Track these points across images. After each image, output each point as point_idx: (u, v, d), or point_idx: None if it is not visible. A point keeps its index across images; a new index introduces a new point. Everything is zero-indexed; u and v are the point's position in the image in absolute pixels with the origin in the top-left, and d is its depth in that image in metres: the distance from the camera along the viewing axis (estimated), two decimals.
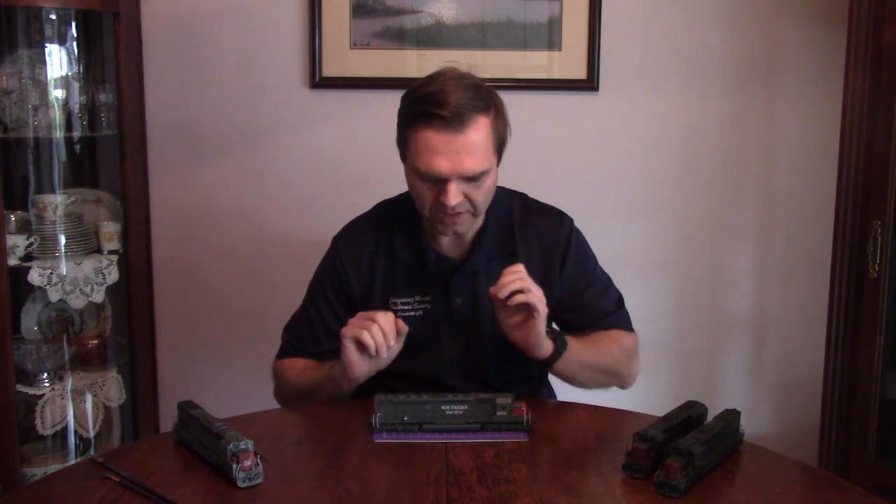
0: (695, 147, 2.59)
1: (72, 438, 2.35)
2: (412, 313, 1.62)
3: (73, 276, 2.28)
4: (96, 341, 2.45)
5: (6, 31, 2.29)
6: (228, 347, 2.63)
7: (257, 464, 1.24)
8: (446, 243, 1.65)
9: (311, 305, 1.70)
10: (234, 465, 1.23)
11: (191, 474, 1.29)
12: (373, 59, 2.50)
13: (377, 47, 2.49)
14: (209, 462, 1.29)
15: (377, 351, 1.45)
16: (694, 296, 2.66)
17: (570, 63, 2.51)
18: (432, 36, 2.49)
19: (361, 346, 1.46)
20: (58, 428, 2.32)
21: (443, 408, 1.43)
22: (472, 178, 1.51)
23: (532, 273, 1.58)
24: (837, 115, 2.21)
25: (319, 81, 2.51)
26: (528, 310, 1.46)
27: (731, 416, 1.37)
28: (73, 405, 2.33)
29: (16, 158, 2.34)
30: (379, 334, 1.45)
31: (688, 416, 1.37)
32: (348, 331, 1.47)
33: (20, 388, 2.26)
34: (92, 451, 2.37)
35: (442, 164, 1.48)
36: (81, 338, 2.44)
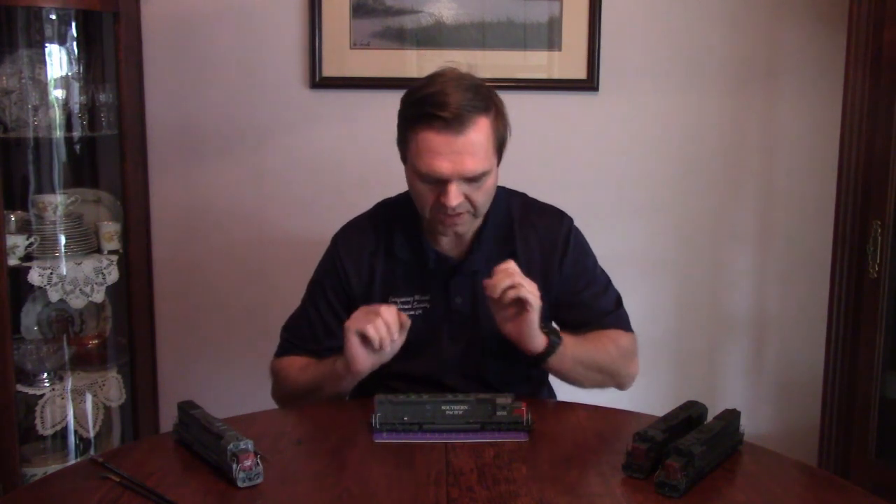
0: (695, 147, 2.59)
1: (72, 438, 2.35)
2: (412, 313, 1.62)
3: (73, 276, 2.28)
4: (96, 341, 2.45)
5: (6, 31, 2.29)
6: (228, 347, 2.63)
7: (257, 464, 1.24)
8: (446, 243, 1.65)
9: (311, 304, 1.70)
10: (234, 465, 1.23)
11: (191, 474, 1.29)
12: (373, 59, 2.50)
13: (377, 47, 2.49)
14: (209, 462, 1.29)
15: (381, 344, 1.45)
16: (694, 296, 2.66)
17: (570, 63, 2.51)
18: (432, 36, 2.49)
19: (365, 339, 1.46)
20: (58, 428, 2.32)
21: (443, 408, 1.43)
22: (472, 179, 1.51)
23: (532, 272, 1.58)
24: (837, 115, 2.21)
25: (319, 81, 2.51)
26: (521, 303, 1.46)
27: (731, 416, 1.37)
28: (73, 405, 2.33)
29: (16, 158, 2.34)
30: (383, 328, 1.45)
31: (688, 416, 1.37)
32: (352, 324, 1.47)
33: (20, 388, 2.26)
34: (92, 451, 2.37)
35: (443, 166, 1.48)
36: (81, 338, 2.44)
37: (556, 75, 2.53)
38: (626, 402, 1.64)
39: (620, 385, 1.68)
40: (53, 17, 2.27)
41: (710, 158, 2.60)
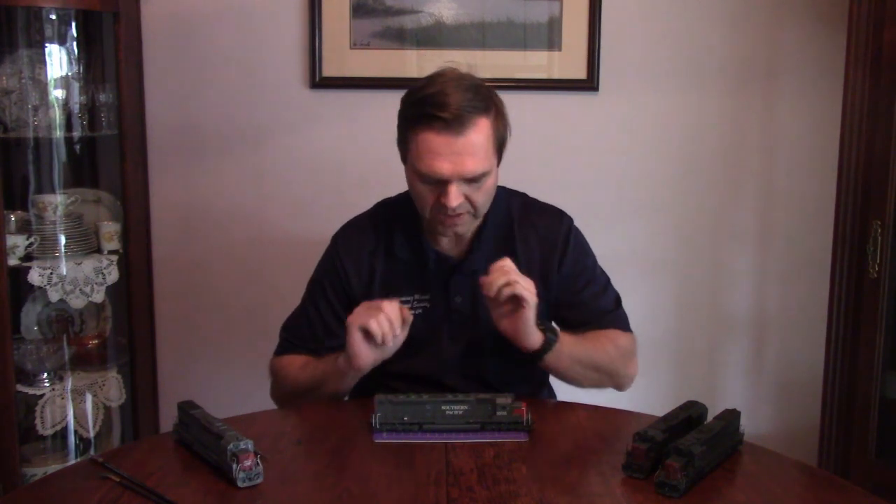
0: (695, 147, 2.59)
1: (72, 438, 2.35)
2: (412, 312, 1.62)
3: (73, 276, 2.28)
4: (96, 341, 2.45)
5: (6, 31, 2.29)
6: (228, 347, 2.63)
7: (257, 464, 1.24)
8: (446, 242, 1.65)
9: (311, 303, 1.70)
10: (234, 465, 1.23)
11: (191, 474, 1.29)
12: (373, 59, 2.50)
13: (377, 47, 2.49)
14: (209, 462, 1.29)
15: (383, 340, 1.45)
16: (694, 296, 2.66)
17: (570, 63, 2.51)
18: (432, 36, 2.49)
19: (368, 335, 1.46)
20: (58, 428, 2.32)
21: (443, 408, 1.43)
22: (472, 180, 1.51)
23: (531, 272, 1.58)
24: (837, 115, 2.21)
25: (319, 81, 2.51)
26: (517, 300, 1.47)
27: (731, 416, 1.37)
28: (73, 405, 2.33)
29: (16, 158, 2.34)
30: (385, 323, 1.45)
31: (688, 416, 1.37)
32: (355, 319, 1.47)
33: (20, 388, 2.26)
34: (92, 451, 2.37)
35: (443, 166, 1.48)
36: (81, 338, 2.44)
37: (556, 75, 2.53)
38: (626, 402, 1.64)
39: (619, 386, 1.67)
40: (53, 17, 2.27)
41: (710, 158, 2.60)
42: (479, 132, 1.50)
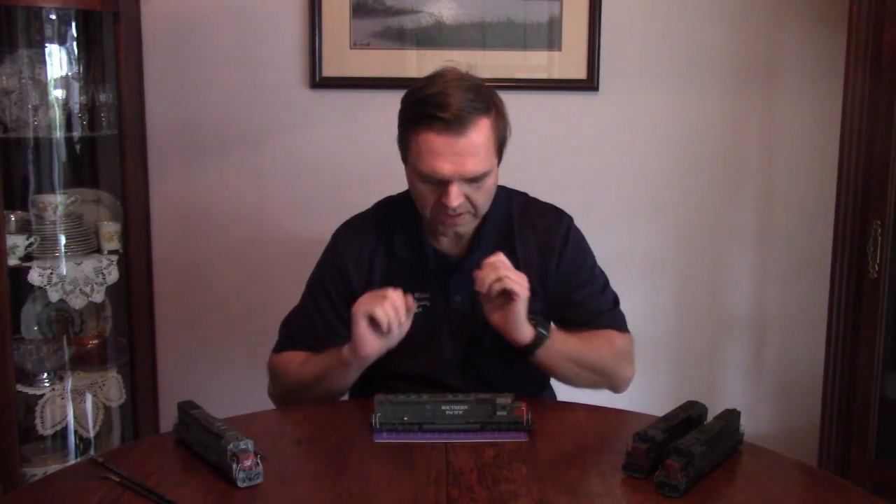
0: (695, 147, 2.59)
1: (72, 438, 2.35)
2: (416, 308, 1.61)
3: (73, 276, 2.28)
4: (96, 341, 2.45)
5: (6, 31, 2.29)
6: (228, 347, 2.63)
7: (257, 464, 1.24)
8: (446, 241, 1.65)
9: (311, 300, 1.70)
10: (234, 465, 1.23)
11: (191, 474, 1.29)
12: (373, 59, 2.50)
13: (377, 47, 2.49)
14: (209, 462, 1.29)
15: (389, 327, 1.45)
16: (694, 296, 2.66)
17: (570, 63, 2.51)
18: (432, 36, 2.49)
19: (373, 323, 1.46)
20: (58, 428, 2.32)
21: (443, 408, 1.43)
22: (473, 180, 1.52)
23: (530, 271, 1.59)
24: (837, 115, 2.21)
25: (319, 81, 2.51)
26: (508, 294, 1.47)
27: (731, 416, 1.37)
28: (73, 405, 2.33)
29: (16, 158, 2.34)
30: (391, 310, 1.45)
31: (688, 416, 1.37)
32: (360, 307, 1.47)
33: (20, 388, 2.26)
34: (92, 451, 2.37)
35: (444, 167, 1.49)
36: (81, 338, 2.44)
37: (556, 75, 2.53)
38: (626, 402, 1.64)
39: (614, 387, 1.67)
40: (53, 17, 2.27)
41: (710, 158, 2.60)
42: (480, 132, 1.50)
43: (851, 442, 2.14)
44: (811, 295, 2.58)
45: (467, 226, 1.60)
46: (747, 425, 1.41)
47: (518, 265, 1.59)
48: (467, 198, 1.53)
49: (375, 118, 2.48)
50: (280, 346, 1.71)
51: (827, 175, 2.39)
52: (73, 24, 2.31)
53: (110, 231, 2.38)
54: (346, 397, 1.70)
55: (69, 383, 2.33)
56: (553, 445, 1.41)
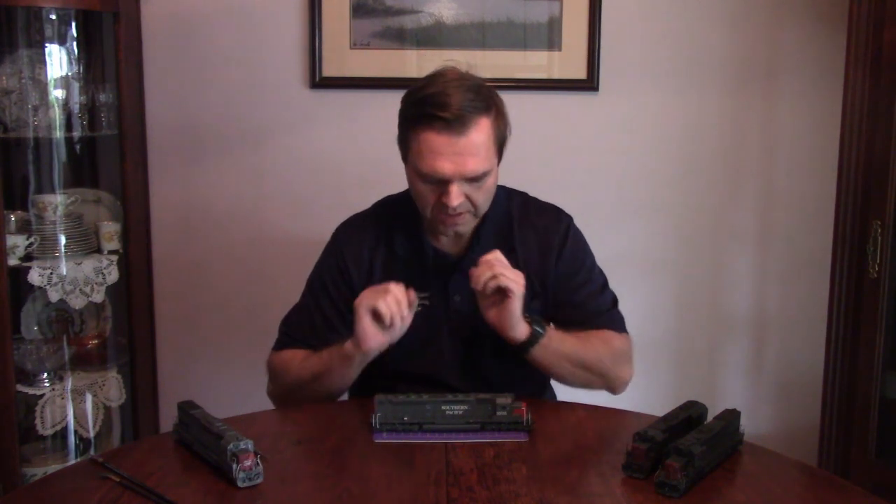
0: (695, 147, 2.59)
1: (72, 438, 2.35)
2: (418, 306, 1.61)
3: (73, 276, 2.28)
4: (96, 341, 2.45)
5: (6, 31, 2.29)
6: (228, 347, 2.63)
7: (257, 464, 1.24)
8: (445, 240, 1.65)
9: (311, 298, 1.70)
10: (234, 465, 1.23)
11: (191, 474, 1.29)
12: (373, 59, 2.50)
13: (377, 47, 2.49)
14: (209, 462, 1.29)
15: (392, 320, 1.45)
16: (694, 296, 2.66)
17: (570, 63, 2.51)
18: (432, 36, 2.49)
19: (376, 316, 1.46)
20: (58, 428, 2.32)
21: (443, 408, 1.43)
22: (473, 179, 1.52)
23: (530, 270, 1.59)
24: (837, 115, 2.21)
25: (319, 81, 2.51)
26: (503, 291, 1.47)
27: (731, 416, 1.37)
28: (73, 405, 2.33)
29: (16, 158, 2.34)
30: (394, 303, 1.46)
31: (688, 416, 1.37)
32: (363, 301, 1.47)
33: (20, 388, 2.26)
34: (92, 451, 2.37)
35: (444, 166, 1.49)
36: (81, 338, 2.44)
37: (556, 75, 2.53)
38: (626, 402, 1.64)
39: (611, 389, 1.66)
40: (53, 17, 2.27)
41: (710, 158, 2.60)
42: (481, 132, 1.50)
43: (851, 442, 2.14)
44: (811, 295, 2.58)
45: (467, 225, 1.61)
46: (747, 425, 1.41)
47: (517, 264, 1.58)
48: (467, 197, 1.53)
49: (375, 118, 2.48)
50: (280, 345, 1.70)
51: (827, 175, 2.39)
52: (73, 24, 2.31)
53: (110, 231, 2.38)
54: (345, 397, 1.70)
55: (69, 383, 2.33)
56: (553, 445, 1.41)
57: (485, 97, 1.52)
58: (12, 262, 2.20)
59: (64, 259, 2.28)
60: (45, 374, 2.32)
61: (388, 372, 1.60)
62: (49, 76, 2.26)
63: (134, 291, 2.43)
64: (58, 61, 2.29)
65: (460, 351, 1.65)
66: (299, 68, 2.52)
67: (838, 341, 2.18)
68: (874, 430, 2.11)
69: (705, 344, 2.69)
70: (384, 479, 1.28)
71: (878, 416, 2.11)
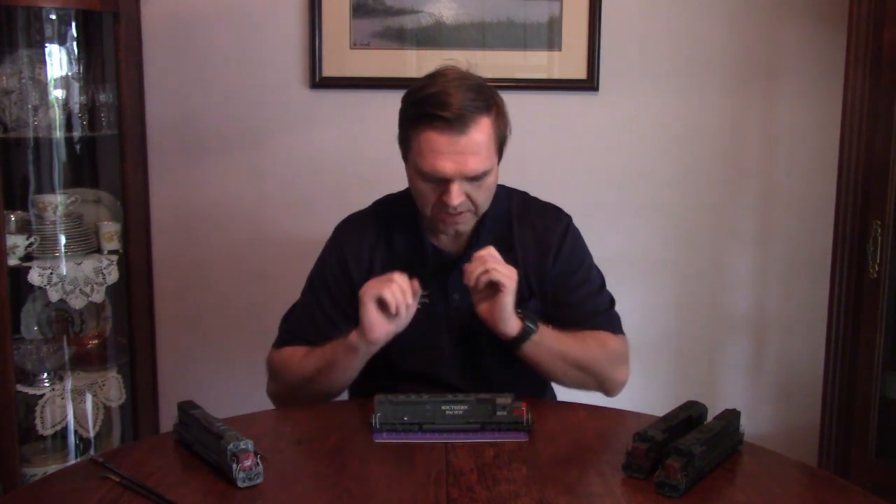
0: (695, 147, 2.59)
1: (72, 438, 2.35)
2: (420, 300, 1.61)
3: (73, 276, 2.28)
4: (96, 341, 2.45)
5: (6, 31, 2.29)
6: (228, 347, 2.63)
7: (257, 464, 1.24)
8: (444, 239, 1.66)
9: (312, 295, 1.70)
10: (234, 465, 1.23)
11: (191, 474, 1.29)
12: (373, 59, 2.50)
13: (377, 47, 2.49)
14: (209, 462, 1.29)
15: (397, 308, 1.46)
16: (694, 296, 2.66)
17: (570, 63, 2.51)
18: (432, 36, 2.49)
19: (381, 306, 1.46)
20: (58, 428, 2.32)
21: (443, 408, 1.43)
22: (474, 178, 1.52)
23: (528, 270, 1.59)
24: (837, 115, 2.21)
25: (319, 81, 2.51)
26: (495, 285, 1.47)
27: (731, 416, 1.37)
28: (73, 405, 2.33)
29: (16, 158, 2.34)
30: (399, 292, 1.46)
31: (688, 416, 1.37)
32: (368, 290, 1.47)
33: (20, 388, 2.26)
34: (92, 451, 2.37)
35: (445, 166, 1.49)
36: (81, 338, 2.44)
37: (556, 75, 2.53)
38: (626, 403, 1.64)
39: (606, 390, 1.66)
40: (53, 17, 2.27)
41: (710, 158, 2.60)
42: (481, 131, 1.50)
43: (851, 442, 2.14)
44: (811, 295, 2.58)
45: (468, 224, 1.61)
46: (747, 425, 1.41)
47: (516, 263, 1.59)
48: (468, 196, 1.54)
49: (375, 118, 2.48)
50: (280, 342, 1.70)
51: (827, 175, 2.39)
52: (73, 24, 2.31)
53: (110, 231, 2.38)
54: (345, 396, 1.70)
55: (69, 383, 2.33)
56: (553, 445, 1.41)
57: (485, 96, 1.52)
58: (12, 262, 2.20)
59: (64, 259, 2.28)
60: (45, 374, 2.32)
61: (387, 370, 1.60)
62: (49, 76, 2.26)
63: (134, 291, 2.43)
64: (58, 61, 2.29)
65: (460, 349, 1.65)
66: (299, 68, 2.52)
67: (838, 341, 2.18)
68: (874, 430, 2.11)
69: (705, 344, 2.69)
70: (384, 479, 1.28)
71: (878, 416, 2.11)
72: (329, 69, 2.50)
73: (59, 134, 2.30)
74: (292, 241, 2.55)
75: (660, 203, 2.61)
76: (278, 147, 2.56)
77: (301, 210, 2.56)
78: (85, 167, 2.44)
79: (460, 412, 1.43)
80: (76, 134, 2.33)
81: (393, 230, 1.68)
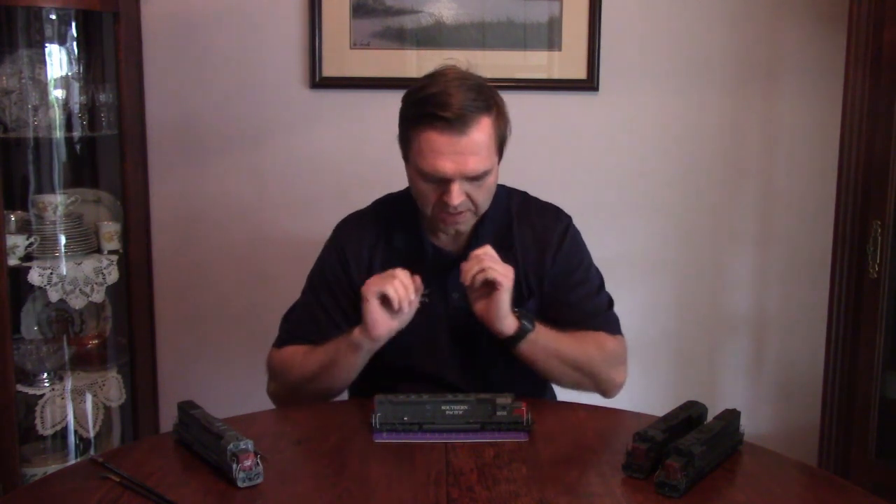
0: (695, 147, 2.59)
1: (72, 438, 2.35)
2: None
3: (73, 276, 2.28)
4: (96, 341, 2.45)
5: (6, 31, 2.29)
6: (228, 347, 2.63)
7: (257, 464, 1.24)
8: (444, 238, 1.66)
9: (312, 294, 1.70)
10: (234, 465, 1.23)
11: (191, 474, 1.29)
12: (373, 59, 2.50)
13: (377, 47, 2.49)
14: (209, 462, 1.29)
15: (400, 304, 1.46)
16: (694, 296, 2.66)
17: (570, 63, 2.51)
18: (432, 36, 2.49)
19: (384, 302, 1.47)
20: (58, 428, 2.32)
21: (443, 408, 1.43)
22: (474, 178, 1.53)
23: (528, 270, 1.59)
24: (837, 115, 2.21)
25: (319, 81, 2.51)
26: (491, 284, 1.48)
27: (731, 416, 1.37)
28: (73, 405, 2.33)
29: (16, 158, 2.34)
30: (401, 288, 1.46)
31: (688, 416, 1.37)
32: (371, 287, 1.48)
33: (20, 388, 2.26)
34: (92, 451, 2.37)
35: (446, 166, 1.49)
36: (81, 338, 2.44)
37: (556, 75, 2.53)
38: (626, 403, 1.64)
39: (603, 391, 1.65)
40: (53, 17, 2.27)
41: (710, 158, 2.60)
42: (482, 131, 1.50)
43: (851, 442, 2.14)
44: (811, 295, 2.58)
45: (468, 223, 1.61)
46: (747, 425, 1.41)
47: (516, 262, 1.59)
48: (468, 196, 1.54)
49: (375, 118, 2.48)
50: (281, 342, 1.70)
51: (827, 175, 2.39)
52: (73, 24, 2.31)
53: (110, 231, 2.38)
54: (345, 396, 1.70)
55: (69, 383, 2.33)
56: (553, 445, 1.41)
57: (486, 96, 1.52)
58: (12, 262, 2.20)
59: (64, 259, 2.28)
60: (45, 374, 2.32)
61: (387, 370, 1.60)
62: (49, 76, 2.26)
63: (134, 291, 2.43)
64: (58, 61, 2.29)
65: (460, 348, 1.65)
66: (299, 68, 2.52)
67: (838, 341, 2.18)
68: (874, 430, 2.11)
69: (705, 344, 2.69)
70: (384, 479, 1.28)
71: (878, 416, 2.11)
72: (329, 69, 2.50)
73: (59, 134, 2.30)
74: (292, 242, 2.55)
75: (660, 203, 2.61)
76: (278, 147, 2.56)
77: (301, 210, 2.56)
78: (85, 167, 2.45)
79: (460, 412, 1.43)
80: (76, 134, 2.33)
81: (393, 229, 1.68)
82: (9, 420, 2.18)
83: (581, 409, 1.57)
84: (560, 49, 2.50)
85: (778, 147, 2.60)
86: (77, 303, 2.30)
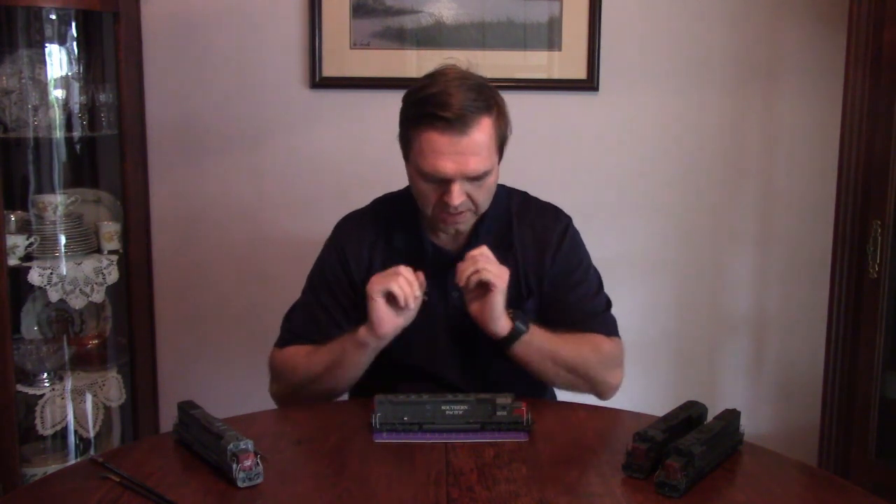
0: (695, 147, 2.59)
1: (72, 438, 2.35)
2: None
3: (73, 276, 2.28)
4: (96, 341, 2.45)
5: (6, 31, 2.29)
6: (228, 347, 2.63)
7: (257, 464, 1.24)
8: (444, 237, 1.66)
9: (313, 294, 1.70)
10: (234, 465, 1.23)
11: (191, 474, 1.29)
12: (373, 59, 2.50)
13: (377, 47, 2.49)
14: (209, 462, 1.29)
15: (406, 301, 1.46)
16: (694, 296, 2.66)
17: (570, 63, 2.51)
18: (432, 36, 2.49)
19: (389, 299, 1.47)
20: (58, 428, 2.32)
21: (443, 408, 1.43)
22: (475, 178, 1.53)
23: (527, 270, 1.59)
24: (837, 115, 2.21)
25: (319, 81, 2.51)
26: (486, 284, 1.48)
27: (731, 416, 1.37)
28: (73, 405, 2.33)
29: (16, 158, 2.34)
30: (406, 284, 1.47)
31: (688, 416, 1.37)
32: (375, 286, 1.48)
33: (20, 388, 2.26)
34: (92, 451, 2.37)
35: (446, 166, 1.49)
36: (81, 338, 2.44)
37: (556, 75, 2.53)
38: (625, 402, 1.64)
39: (599, 393, 1.65)
40: (53, 17, 2.27)
41: (710, 158, 2.60)
42: (482, 131, 1.50)
43: (851, 442, 2.14)
44: (811, 295, 2.58)
45: (468, 223, 1.61)
46: (747, 425, 1.41)
47: (516, 262, 1.59)
48: (468, 196, 1.54)
49: (375, 118, 2.48)
50: (282, 342, 1.69)
51: (827, 175, 2.39)
52: (73, 24, 2.31)
53: (110, 231, 2.38)
54: (345, 397, 1.70)
55: (69, 383, 2.33)
56: (553, 445, 1.41)
57: (486, 97, 1.52)
58: (12, 262, 2.20)
59: (64, 259, 2.28)
60: (45, 374, 2.32)
61: (387, 369, 1.60)
62: (49, 76, 2.27)
63: (134, 291, 2.43)
64: (58, 61, 2.29)
65: (459, 347, 1.65)
66: (299, 68, 2.52)
67: (838, 341, 2.18)
68: (874, 430, 2.11)
69: (705, 344, 2.69)
70: (384, 479, 1.28)
71: (878, 416, 2.11)
72: (329, 69, 2.50)
73: (59, 134, 2.30)
74: (292, 241, 2.55)
75: (660, 203, 2.61)
76: (278, 147, 2.56)
77: (301, 210, 2.56)
78: (85, 167, 2.45)
79: (460, 412, 1.43)
80: (76, 134, 2.33)
81: (392, 228, 1.68)
82: (9, 420, 2.18)
83: (581, 409, 1.57)
84: (560, 49, 2.50)
85: (778, 147, 2.60)
86: (77, 303, 2.30)
